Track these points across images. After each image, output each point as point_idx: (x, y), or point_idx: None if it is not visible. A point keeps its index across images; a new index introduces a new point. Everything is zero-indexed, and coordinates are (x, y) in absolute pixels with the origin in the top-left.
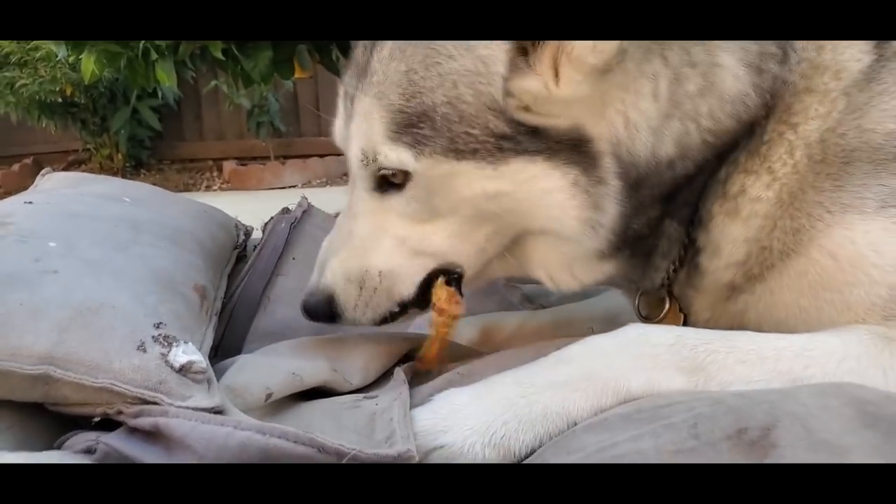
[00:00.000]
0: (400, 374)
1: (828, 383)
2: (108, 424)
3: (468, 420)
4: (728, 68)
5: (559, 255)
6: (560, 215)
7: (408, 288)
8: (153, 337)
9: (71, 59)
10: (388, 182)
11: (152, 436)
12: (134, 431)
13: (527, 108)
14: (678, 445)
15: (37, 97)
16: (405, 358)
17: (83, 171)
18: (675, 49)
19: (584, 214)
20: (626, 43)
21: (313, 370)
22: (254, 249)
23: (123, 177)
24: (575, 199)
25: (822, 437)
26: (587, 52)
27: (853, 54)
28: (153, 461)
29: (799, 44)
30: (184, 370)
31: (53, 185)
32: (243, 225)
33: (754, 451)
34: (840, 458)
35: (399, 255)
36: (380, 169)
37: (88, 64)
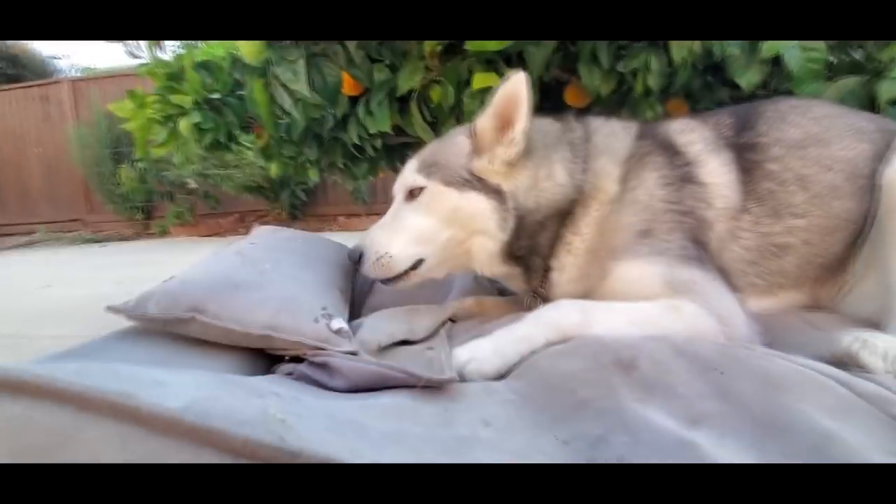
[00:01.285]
0: (442, 331)
1: (659, 335)
2: (295, 361)
3: (484, 348)
4: (559, 169)
5: (485, 252)
6: (487, 220)
7: (401, 268)
8: (321, 315)
9: (262, 164)
10: (412, 194)
11: (322, 367)
12: (312, 364)
13: (477, 170)
14: (583, 365)
15: (243, 183)
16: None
17: (266, 221)
18: (536, 159)
19: (500, 223)
20: (525, 149)
21: (400, 330)
22: None
23: (287, 226)
24: (495, 214)
25: (658, 358)
26: (502, 154)
27: (611, 185)
28: (323, 380)
29: (588, 174)
30: (337, 332)
31: (261, 232)
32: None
33: (627, 371)
34: (669, 374)
35: (403, 244)
36: (410, 187)
37: (273, 168)
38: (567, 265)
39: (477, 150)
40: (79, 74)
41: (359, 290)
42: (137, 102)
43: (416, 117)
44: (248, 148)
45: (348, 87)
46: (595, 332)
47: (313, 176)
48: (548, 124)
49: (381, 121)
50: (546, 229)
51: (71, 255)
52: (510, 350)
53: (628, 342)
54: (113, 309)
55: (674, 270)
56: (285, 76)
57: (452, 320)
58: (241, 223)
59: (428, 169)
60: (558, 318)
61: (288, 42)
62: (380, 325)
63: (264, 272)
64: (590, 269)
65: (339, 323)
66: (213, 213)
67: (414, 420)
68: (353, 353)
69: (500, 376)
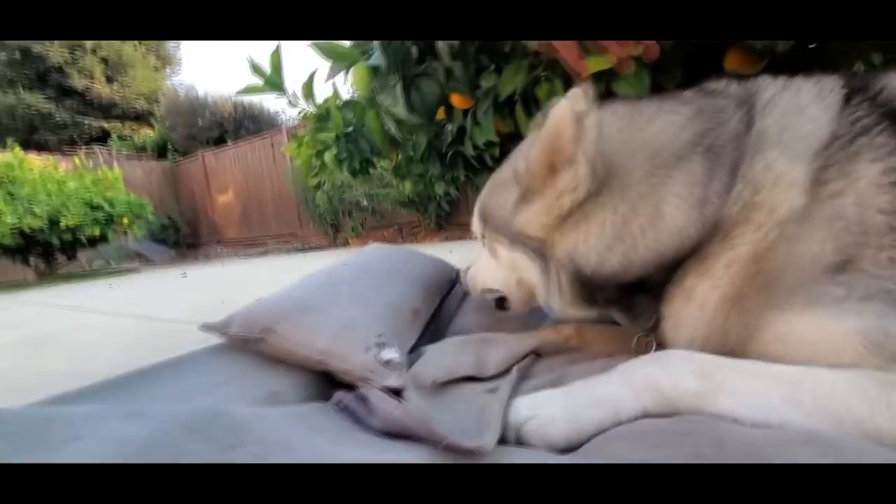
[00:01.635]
0: (514, 371)
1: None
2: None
3: (554, 404)
4: (672, 207)
5: (553, 303)
6: (535, 283)
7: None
8: (374, 343)
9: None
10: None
11: (364, 399)
12: (358, 395)
13: (520, 224)
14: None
15: (398, 199)
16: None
17: (417, 231)
18: (628, 195)
19: (544, 288)
20: (579, 200)
21: (464, 364)
22: None
23: (433, 234)
24: (539, 276)
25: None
26: (555, 204)
27: (788, 196)
28: (362, 414)
29: (738, 185)
30: (387, 364)
31: (367, 250)
32: (457, 268)
33: None
34: None
35: (485, 282)
36: (476, 234)
37: (407, 186)
38: (684, 319)
39: (524, 198)
40: (293, 123)
41: (446, 309)
42: (298, 143)
43: (522, 119)
44: (386, 170)
45: (458, 101)
46: (722, 409)
47: (439, 190)
48: (665, 122)
49: (486, 131)
50: (646, 282)
51: (287, 261)
52: (586, 415)
53: (777, 439)
54: (206, 327)
55: (887, 324)
56: (387, 102)
57: (538, 354)
58: (399, 233)
59: (483, 215)
60: (663, 378)
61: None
62: (442, 357)
63: (338, 294)
64: (726, 324)
65: (391, 353)
66: (379, 226)
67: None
68: (399, 390)
69: (573, 447)
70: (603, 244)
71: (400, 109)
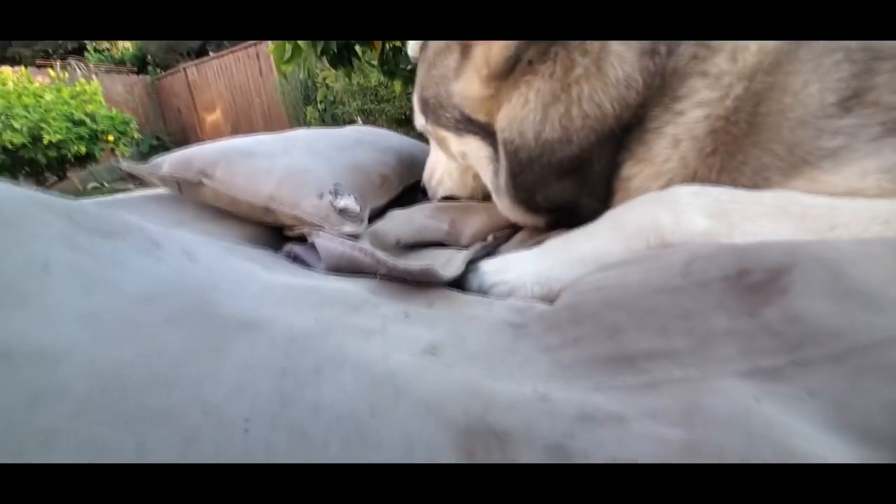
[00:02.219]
0: (490, 237)
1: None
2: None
3: (525, 265)
4: (615, 56)
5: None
6: (487, 176)
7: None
8: (329, 191)
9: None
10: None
11: (313, 247)
12: (308, 243)
13: (464, 105)
14: (664, 283)
15: (394, 116)
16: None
17: None
18: (571, 44)
19: (493, 180)
20: (519, 48)
21: (434, 231)
22: None
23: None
24: (489, 166)
25: (855, 286)
26: (480, 60)
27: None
28: (312, 261)
29: None
30: (342, 211)
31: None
32: None
33: (753, 296)
34: (873, 313)
35: (438, 179)
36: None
37: (397, 85)
38: (652, 159)
39: (463, 55)
40: None
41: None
42: None
43: None
44: (371, 65)
45: None
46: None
47: None
48: None
49: None
50: (589, 167)
51: None
52: (563, 275)
53: (782, 242)
54: (129, 167)
55: None
56: None
57: (520, 227)
58: None
59: (423, 102)
60: (665, 218)
61: None
62: (411, 219)
63: (291, 146)
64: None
65: (347, 201)
66: None
67: (346, 311)
68: (353, 236)
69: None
70: (540, 107)
71: None
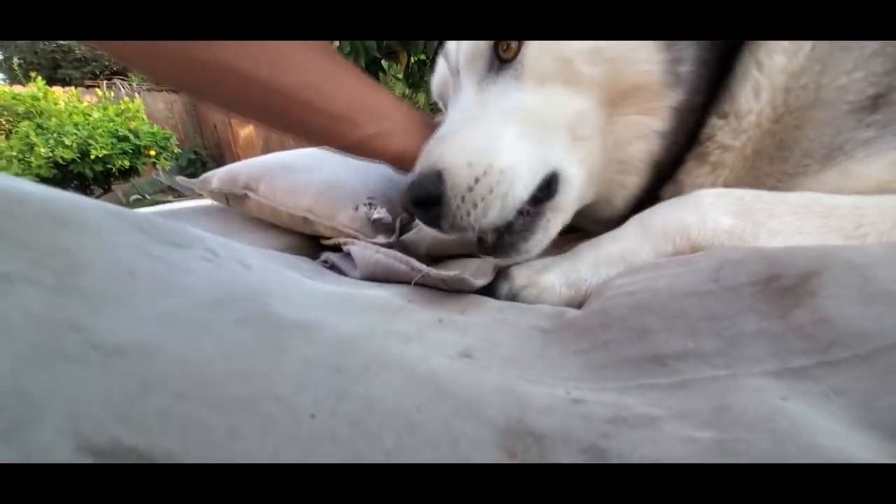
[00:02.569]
0: None
1: None
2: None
3: (554, 269)
4: None
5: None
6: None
7: (521, 196)
8: (364, 203)
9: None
10: (500, 59)
11: (349, 255)
12: (343, 252)
13: None
14: (694, 287)
15: None
16: None
17: None
18: None
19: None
20: None
21: (464, 246)
22: None
23: None
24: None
25: (883, 288)
26: None
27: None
28: (347, 269)
29: None
30: (375, 223)
31: None
32: None
33: (782, 300)
34: None
35: (518, 147)
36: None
37: (422, 98)
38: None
39: None
40: None
41: None
42: None
43: None
44: (397, 78)
45: None
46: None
47: None
48: None
49: None
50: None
51: None
52: (592, 276)
53: (811, 247)
54: (183, 181)
55: None
56: None
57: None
58: None
59: None
60: (691, 218)
61: None
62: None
63: (325, 160)
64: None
65: (381, 213)
66: None
67: (383, 316)
68: (388, 245)
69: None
70: None
71: None
